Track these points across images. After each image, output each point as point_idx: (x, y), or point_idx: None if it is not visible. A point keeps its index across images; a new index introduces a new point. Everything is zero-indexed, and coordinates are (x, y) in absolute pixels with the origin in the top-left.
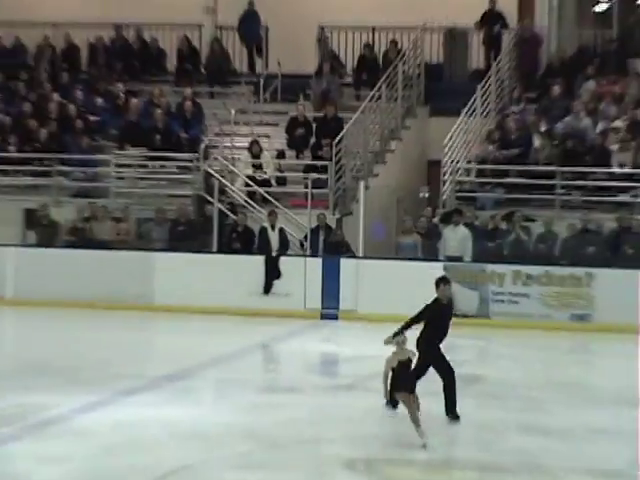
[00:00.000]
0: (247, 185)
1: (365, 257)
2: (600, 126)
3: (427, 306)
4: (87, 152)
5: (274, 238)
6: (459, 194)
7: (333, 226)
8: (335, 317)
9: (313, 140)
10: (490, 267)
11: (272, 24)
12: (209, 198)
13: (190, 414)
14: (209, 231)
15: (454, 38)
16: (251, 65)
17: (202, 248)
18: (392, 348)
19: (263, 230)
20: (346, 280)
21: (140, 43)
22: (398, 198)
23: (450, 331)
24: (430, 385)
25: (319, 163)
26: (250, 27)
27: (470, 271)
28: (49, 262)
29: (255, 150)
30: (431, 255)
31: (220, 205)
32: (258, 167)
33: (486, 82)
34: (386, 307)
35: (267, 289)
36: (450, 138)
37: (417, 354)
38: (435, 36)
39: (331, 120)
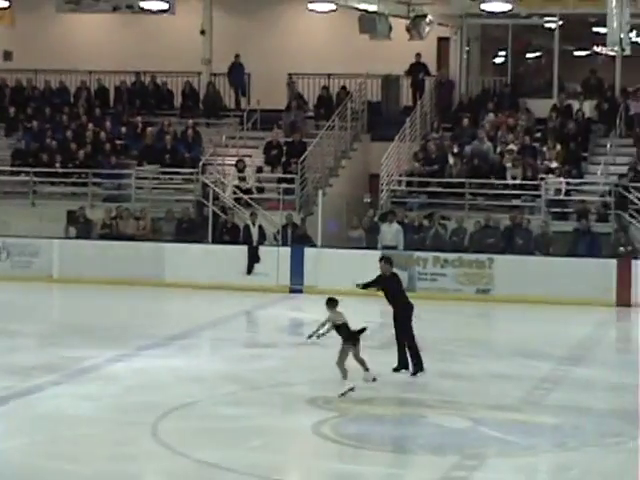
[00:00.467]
0: (234, 192)
1: (323, 246)
2: (498, 149)
3: (377, 277)
4: (114, 168)
5: (255, 232)
6: (393, 199)
7: (299, 223)
8: (301, 291)
9: (284, 159)
10: (416, 254)
11: (253, 72)
12: (206, 202)
13: (191, 364)
14: (206, 227)
15: (389, 82)
16: (237, 103)
17: (200, 240)
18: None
19: (246, 226)
20: (309, 264)
21: (154, 86)
22: (347, 202)
23: (389, 308)
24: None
25: (288, 176)
26: (236, 75)
27: (401, 257)
28: (85, 250)
29: (240, 166)
30: (372, 245)
31: (214, 208)
32: (243, 179)
33: (413, 115)
34: (339, 283)
35: (249, 270)
36: (386, 157)
37: None
38: (375, 81)
39: (297, 144)
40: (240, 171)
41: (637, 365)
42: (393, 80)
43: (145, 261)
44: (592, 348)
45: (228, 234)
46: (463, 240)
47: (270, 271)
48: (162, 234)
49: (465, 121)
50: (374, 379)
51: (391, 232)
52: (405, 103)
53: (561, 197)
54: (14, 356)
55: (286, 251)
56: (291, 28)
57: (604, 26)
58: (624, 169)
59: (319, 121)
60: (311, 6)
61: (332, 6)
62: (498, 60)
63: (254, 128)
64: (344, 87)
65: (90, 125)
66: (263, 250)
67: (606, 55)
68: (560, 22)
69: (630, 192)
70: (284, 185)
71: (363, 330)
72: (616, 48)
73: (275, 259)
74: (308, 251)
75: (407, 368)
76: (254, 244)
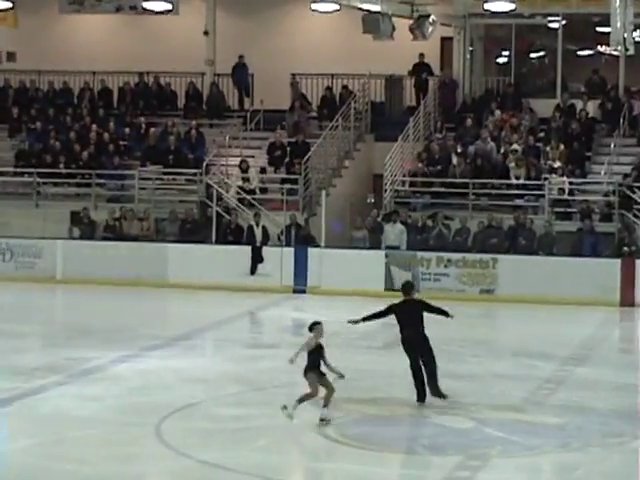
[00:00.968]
0: (238, 193)
1: (326, 247)
2: (502, 149)
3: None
4: (118, 168)
5: (258, 233)
6: (396, 199)
7: (302, 224)
8: (304, 292)
9: (287, 159)
10: (420, 254)
11: (256, 73)
12: (209, 203)
13: (194, 364)
14: (209, 228)
15: (393, 83)
16: (241, 103)
17: (204, 240)
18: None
19: (250, 227)
20: (312, 264)
21: (157, 87)
22: (351, 203)
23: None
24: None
25: (292, 177)
26: (240, 75)
27: (405, 257)
28: (88, 251)
29: (244, 167)
30: (376, 245)
31: (217, 208)
32: (246, 180)
33: (417, 116)
34: (342, 284)
35: (253, 271)
36: (390, 157)
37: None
38: (379, 81)
39: (301, 144)
40: (243, 172)
41: None
42: (396, 80)
43: (148, 262)
44: (596, 348)
45: (232, 235)
46: (466, 240)
47: (273, 272)
48: (165, 235)
49: (468, 121)
50: (322, 420)
51: (394, 232)
52: (408, 103)
53: (565, 197)
54: (18, 357)
55: (289, 251)
56: (294, 28)
57: (607, 26)
58: (628, 169)
59: (322, 121)
60: (314, 6)
61: (335, 6)
62: (501, 60)
63: (257, 129)
64: (347, 87)
65: (93, 126)
66: (266, 250)
67: (609, 55)
68: (563, 22)
69: (634, 192)
70: (287, 185)
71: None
72: (619, 48)
73: (278, 259)
74: (311, 251)
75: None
76: (257, 244)
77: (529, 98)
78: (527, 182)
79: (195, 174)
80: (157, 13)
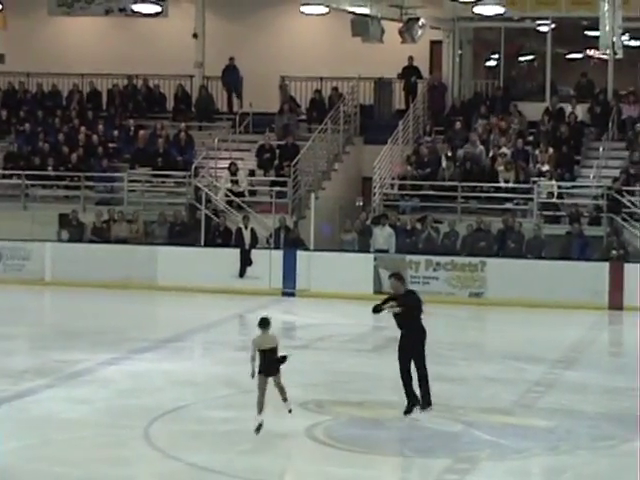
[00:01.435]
0: (227, 196)
1: (315, 250)
2: (491, 152)
3: (386, 298)
4: (107, 171)
5: (247, 236)
6: (385, 202)
7: (291, 227)
8: (293, 294)
9: (276, 162)
10: (408, 257)
11: (246, 75)
12: (198, 206)
13: (183, 367)
14: (198, 230)
15: (382, 86)
16: (230, 106)
17: (193, 243)
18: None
19: (239, 230)
20: (301, 267)
21: (146, 89)
22: (340, 206)
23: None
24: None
25: (281, 179)
26: (231, 77)
27: (393, 260)
28: (77, 253)
29: (233, 169)
30: (365, 248)
31: (206, 211)
32: (235, 182)
33: (406, 119)
34: (331, 287)
35: (242, 274)
36: (379, 160)
37: None
38: (368, 84)
39: (290, 147)
40: (232, 174)
41: (630, 368)
42: (386, 83)
43: (138, 264)
44: (584, 351)
45: (220, 237)
46: (455, 243)
47: (262, 274)
48: (154, 237)
49: (457, 124)
50: (290, 411)
51: (383, 235)
52: (398, 106)
53: (553, 200)
54: (6, 359)
55: (278, 254)
56: (283, 31)
57: (596, 29)
58: (616, 172)
59: (312, 124)
60: (304, 9)
61: (325, 9)
62: (490, 63)
63: (246, 131)
64: (336, 90)
65: (82, 128)
66: (255, 253)
67: (598, 58)
68: (552, 25)
69: (623, 195)
70: (277, 188)
71: (284, 359)
72: (608, 51)
73: (267, 262)
74: (300, 254)
75: (418, 404)
76: (246, 247)
77: (518, 101)
78: (516, 185)
79: (184, 177)
80: (146, 16)
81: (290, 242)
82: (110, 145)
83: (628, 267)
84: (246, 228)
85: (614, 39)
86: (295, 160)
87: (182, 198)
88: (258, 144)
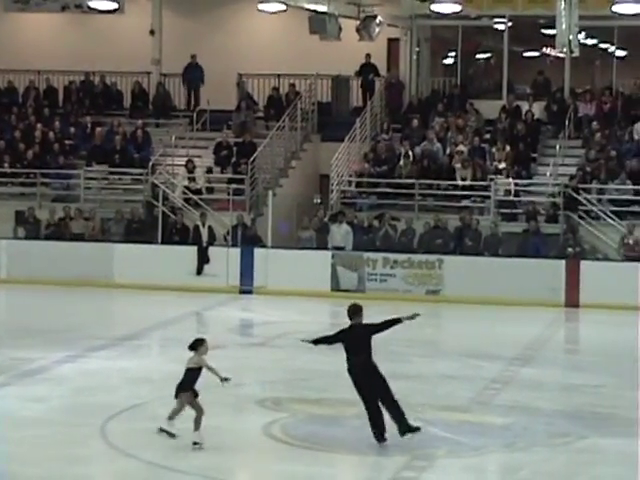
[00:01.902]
0: (184, 193)
1: (273, 247)
2: (448, 150)
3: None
4: (63, 168)
5: (204, 233)
6: (343, 200)
7: (249, 224)
8: (250, 292)
9: (234, 159)
10: (366, 254)
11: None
12: (155, 203)
13: (139, 365)
14: (155, 228)
15: (339, 83)
16: (188, 103)
17: (150, 240)
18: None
19: (196, 227)
20: (259, 264)
21: (103, 86)
22: (298, 203)
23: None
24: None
25: (238, 177)
26: (193, 74)
27: (351, 257)
28: (34, 251)
29: (190, 167)
30: (322, 246)
31: (164, 208)
32: (192, 180)
33: (363, 116)
34: (289, 284)
35: (199, 271)
36: (336, 158)
37: None
38: (325, 81)
39: (247, 144)
40: (190, 172)
41: (586, 365)
42: (343, 81)
43: (94, 262)
44: (541, 349)
45: (178, 235)
46: (413, 241)
47: (220, 272)
48: (111, 234)
49: (415, 122)
50: (195, 443)
51: (341, 233)
52: (355, 104)
53: (510, 198)
54: None
55: (236, 252)
56: (241, 28)
57: (553, 28)
58: (573, 170)
59: (269, 121)
60: (261, 6)
61: (282, 6)
62: (448, 61)
63: (204, 129)
64: (294, 87)
65: (39, 125)
66: (213, 251)
67: (555, 57)
68: (509, 24)
69: (579, 193)
70: (234, 186)
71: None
72: (565, 50)
73: (225, 260)
74: (258, 252)
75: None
76: (204, 245)
77: (475, 99)
78: (473, 183)
79: (141, 174)
80: (103, 12)
81: (247, 239)
82: (67, 142)
83: (584, 264)
84: (203, 226)
85: (570, 37)
86: (252, 157)
87: (139, 195)
88: (215, 141)
